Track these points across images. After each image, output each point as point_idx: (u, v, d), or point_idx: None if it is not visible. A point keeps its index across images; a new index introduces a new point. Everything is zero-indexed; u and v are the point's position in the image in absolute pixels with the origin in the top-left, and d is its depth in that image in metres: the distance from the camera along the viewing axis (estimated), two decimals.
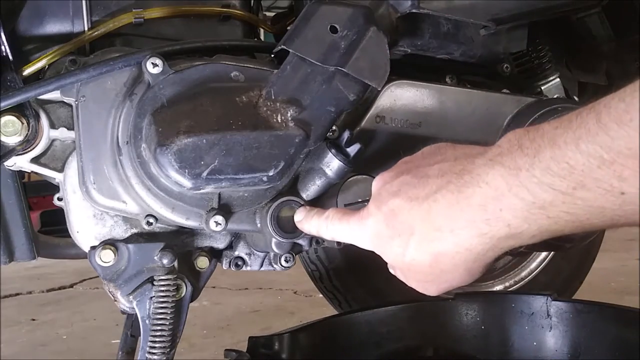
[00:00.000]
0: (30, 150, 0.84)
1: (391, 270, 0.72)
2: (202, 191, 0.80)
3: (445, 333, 1.08)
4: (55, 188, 0.93)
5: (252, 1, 1.07)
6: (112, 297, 0.90)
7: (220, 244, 0.92)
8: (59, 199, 0.91)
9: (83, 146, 0.83)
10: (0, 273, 2.64)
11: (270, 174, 0.80)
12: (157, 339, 0.84)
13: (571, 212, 0.52)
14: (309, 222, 0.80)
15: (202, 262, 0.90)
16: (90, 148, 0.83)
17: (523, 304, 1.06)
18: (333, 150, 0.82)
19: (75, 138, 0.84)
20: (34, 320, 2.38)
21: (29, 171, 0.88)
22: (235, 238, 0.93)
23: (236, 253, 0.94)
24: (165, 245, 0.86)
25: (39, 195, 3.52)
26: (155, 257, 0.85)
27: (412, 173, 0.66)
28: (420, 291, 0.70)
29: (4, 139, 0.81)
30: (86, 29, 0.90)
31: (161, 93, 0.80)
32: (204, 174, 0.77)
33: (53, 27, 0.90)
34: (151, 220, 0.85)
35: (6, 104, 0.79)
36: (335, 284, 1.44)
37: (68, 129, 0.85)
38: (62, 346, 2.05)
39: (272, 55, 0.90)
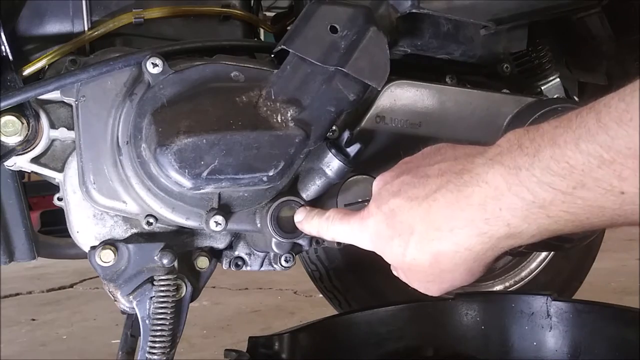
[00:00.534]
0: (30, 150, 0.84)
1: (394, 272, 0.72)
2: (202, 191, 0.80)
3: (445, 333, 1.08)
4: (55, 188, 0.93)
5: (252, 1, 1.07)
6: (112, 297, 0.90)
7: (220, 244, 0.92)
8: (59, 199, 0.91)
9: (83, 146, 0.83)
10: (0, 273, 2.65)
11: (270, 174, 0.80)
12: (157, 339, 0.84)
13: (571, 212, 0.52)
14: (310, 223, 0.80)
15: (202, 262, 0.90)
16: (90, 148, 0.83)
17: (523, 304, 1.06)
18: (333, 150, 0.82)
19: (75, 138, 0.83)
20: (34, 320, 2.38)
21: (29, 171, 0.88)
22: (235, 238, 0.93)
23: (236, 253, 0.94)
24: (165, 245, 0.86)
25: (39, 195, 3.52)
26: (155, 257, 0.85)
27: (412, 173, 0.67)
28: (422, 291, 0.70)
29: (4, 139, 0.81)
30: (86, 29, 0.90)
31: (161, 93, 0.80)
32: (204, 174, 0.77)
33: (53, 27, 0.90)
34: (151, 220, 0.85)
35: (6, 104, 0.79)
36: (335, 284, 1.44)
37: (68, 129, 0.85)
38: (62, 346, 2.05)
39: (272, 55, 0.90)
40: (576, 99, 1.17)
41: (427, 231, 0.62)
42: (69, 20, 0.90)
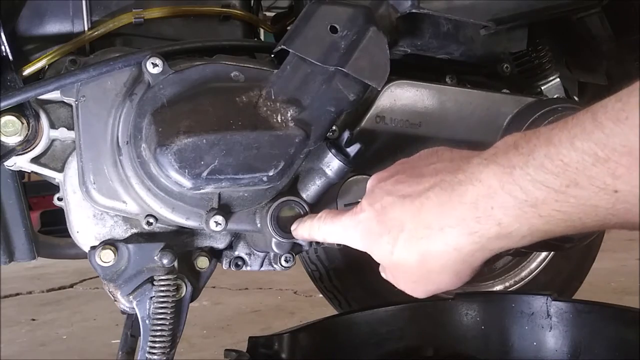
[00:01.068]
0: (30, 150, 0.84)
1: (382, 273, 0.72)
2: (202, 191, 0.80)
3: (445, 333, 1.08)
4: (55, 188, 0.93)
5: (252, 1, 1.07)
6: (112, 297, 0.90)
7: (220, 244, 0.92)
8: (59, 199, 0.91)
9: (83, 146, 0.83)
10: (0, 273, 2.65)
11: (270, 174, 0.80)
12: (157, 339, 0.84)
13: (563, 211, 0.52)
14: (302, 226, 0.80)
15: (202, 262, 0.90)
16: (90, 148, 0.83)
17: (523, 304, 1.06)
18: (333, 150, 0.82)
19: (75, 138, 0.83)
20: (34, 320, 2.38)
21: (29, 171, 0.88)
22: (235, 238, 0.93)
23: (236, 253, 0.94)
24: (165, 245, 0.86)
25: (39, 195, 3.52)
26: (155, 257, 0.85)
27: (407, 172, 0.67)
28: (408, 292, 0.69)
29: (4, 139, 0.81)
30: (86, 29, 0.90)
31: (161, 93, 0.80)
32: (204, 174, 0.77)
33: (53, 27, 0.90)
34: (151, 220, 0.85)
35: (6, 104, 0.79)
36: (335, 284, 1.44)
37: (68, 129, 0.85)
38: (62, 346, 2.05)
39: (272, 55, 0.90)
40: (576, 99, 1.17)
41: (417, 229, 0.62)
42: (69, 20, 0.90)
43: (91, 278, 3.01)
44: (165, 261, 0.84)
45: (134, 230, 0.87)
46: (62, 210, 0.89)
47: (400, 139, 0.94)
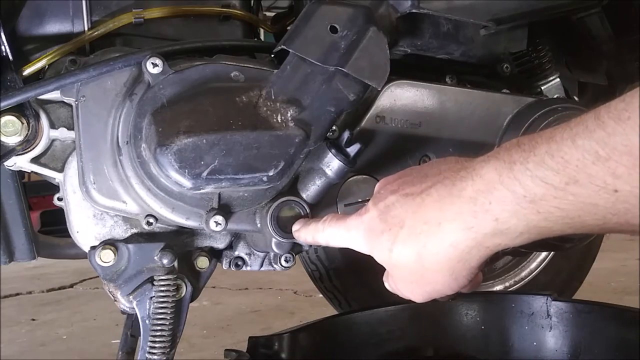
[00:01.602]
0: (30, 150, 0.84)
1: (385, 283, 0.72)
2: (202, 191, 0.80)
3: (445, 333, 1.08)
4: (55, 188, 0.93)
5: (252, 1, 1.07)
6: (112, 297, 0.90)
7: (220, 244, 0.92)
8: (59, 199, 0.91)
9: (83, 146, 0.83)
10: (0, 273, 2.65)
11: (270, 174, 0.80)
12: (157, 339, 0.84)
13: (562, 208, 0.52)
14: (306, 228, 0.79)
15: (202, 262, 0.90)
16: (90, 148, 0.83)
17: (523, 304, 1.06)
18: (333, 150, 0.82)
19: (75, 138, 0.83)
20: (34, 320, 2.38)
21: (29, 171, 0.88)
22: (235, 238, 0.93)
23: (236, 253, 0.94)
24: (165, 245, 0.86)
25: (39, 195, 3.52)
26: (155, 257, 0.85)
27: (413, 174, 0.67)
28: (408, 295, 0.69)
29: (4, 139, 0.81)
30: (86, 29, 0.90)
31: (161, 93, 0.80)
32: (204, 174, 0.77)
33: (53, 27, 0.90)
34: (151, 220, 0.85)
35: (6, 104, 0.79)
36: (335, 284, 1.44)
37: (68, 129, 0.85)
38: (62, 346, 2.05)
39: (272, 55, 0.90)
40: (576, 99, 1.17)
41: (416, 225, 0.62)
42: (69, 20, 0.90)
43: (91, 278, 3.01)
44: (165, 261, 0.84)
45: (134, 230, 0.87)
46: (62, 210, 0.89)
47: (400, 138, 0.94)
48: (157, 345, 0.84)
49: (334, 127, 0.88)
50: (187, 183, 0.77)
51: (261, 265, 0.95)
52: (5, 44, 0.82)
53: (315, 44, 0.83)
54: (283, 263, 0.93)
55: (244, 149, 0.78)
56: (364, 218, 0.69)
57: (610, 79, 1.25)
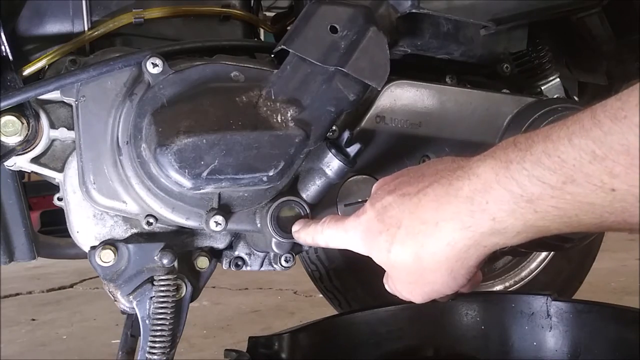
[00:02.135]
0: (30, 150, 0.84)
1: (385, 285, 0.72)
2: (202, 191, 0.80)
3: (445, 333, 1.08)
4: (55, 188, 0.93)
5: (252, 1, 1.07)
6: (112, 297, 0.90)
7: (220, 244, 0.92)
8: (59, 199, 0.91)
9: (83, 146, 0.82)
10: (0, 273, 2.65)
11: (270, 174, 0.80)
12: (157, 339, 0.84)
13: (559, 207, 0.51)
14: (306, 230, 0.79)
15: (202, 262, 0.90)
16: (90, 148, 0.83)
17: (523, 304, 1.06)
18: (333, 150, 0.82)
19: (75, 138, 0.83)
20: (34, 320, 2.38)
21: (29, 171, 0.88)
22: (235, 238, 0.93)
23: (236, 253, 0.94)
24: (165, 245, 0.86)
25: (39, 195, 3.52)
26: (155, 257, 0.85)
27: (410, 174, 0.67)
28: (407, 296, 0.69)
29: (4, 139, 0.81)
30: (86, 29, 0.90)
31: (161, 93, 0.80)
32: (204, 174, 0.77)
33: (53, 27, 0.90)
34: (151, 220, 0.85)
35: (6, 104, 0.79)
36: (335, 284, 1.44)
37: (68, 129, 0.85)
38: (62, 346, 2.05)
39: (272, 55, 0.90)
40: (576, 99, 1.17)
41: (414, 225, 0.62)
42: (69, 20, 0.90)
43: (91, 278, 3.01)
44: (165, 261, 0.84)
45: (134, 230, 0.87)
46: (62, 210, 0.89)
47: (400, 138, 0.94)
48: (157, 345, 0.84)
49: (334, 127, 0.88)
50: (187, 183, 0.77)
51: (261, 265, 0.95)
52: (5, 44, 0.82)
53: (315, 44, 0.83)
54: (283, 263, 0.93)
55: (244, 149, 0.78)
56: (361, 219, 0.68)
57: (610, 79, 1.25)
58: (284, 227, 0.83)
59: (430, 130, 0.95)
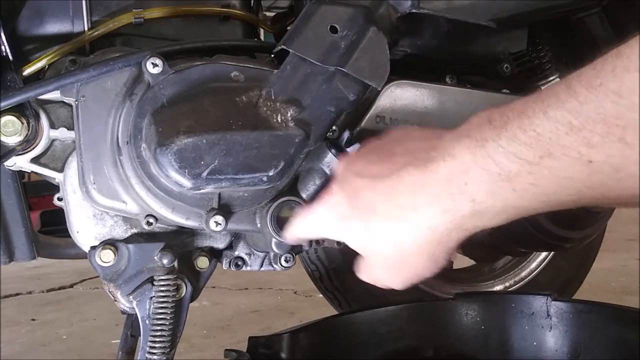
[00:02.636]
0: (30, 150, 0.84)
1: (357, 273, 0.70)
2: (202, 191, 0.80)
3: (445, 333, 1.08)
4: (55, 188, 0.93)
5: (252, 1, 1.07)
6: (112, 297, 0.90)
7: (220, 244, 0.92)
8: (59, 199, 0.91)
9: (83, 146, 0.83)
10: (0, 273, 2.65)
11: (270, 174, 0.80)
12: (157, 339, 0.84)
13: (537, 184, 0.50)
14: (290, 229, 0.78)
15: (202, 262, 0.90)
16: (90, 148, 0.83)
17: (523, 304, 1.06)
18: (333, 150, 0.82)
19: (75, 138, 0.83)
20: (34, 320, 2.38)
21: (29, 171, 0.88)
22: (235, 238, 0.93)
23: (236, 253, 0.94)
24: (165, 245, 0.86)
25: (39, 195, 3.52)
26: (155, 257, 0.85)
27: (377, 152, 0.65)
28: (385, 283, 0.67)
29: (4, 139, 0.81)
30: (86, 29, 0.90)
31: (161, 93, 0.80)
32: (204, 174, 0.77)
33: (53, 27, 0.90)
34: (151, 220, 0.85)
35: (6, 104, 0.79)
36: (335, 284, 1.44)
37: (68, 129, 0.85)
38: (62, 346, 2.05)
39: (272, 55, 0.90)
40: None
41: (390, 210, 0.60)
42: (69, 20, 0.90)
43: (91, 278, 3.01)
44: (165, 261, 0.84)
45: (134, 230, 0.87)
46: (62, 210, 0.89)
47: None
48: (157, 345, 0.84)
49: (334, 127, 0.88)
50: (187, 183, 0.77)
51: (261, 265, 0.95)
52: (5, 44, 0.82)
53: (315, 44, 0.83)
54: (283, 263, 0.93)
55: (244, 149, 0.78)
56: (331, 202, 0.66)
57: None
58: (283, 227, 0.83)
59: None
